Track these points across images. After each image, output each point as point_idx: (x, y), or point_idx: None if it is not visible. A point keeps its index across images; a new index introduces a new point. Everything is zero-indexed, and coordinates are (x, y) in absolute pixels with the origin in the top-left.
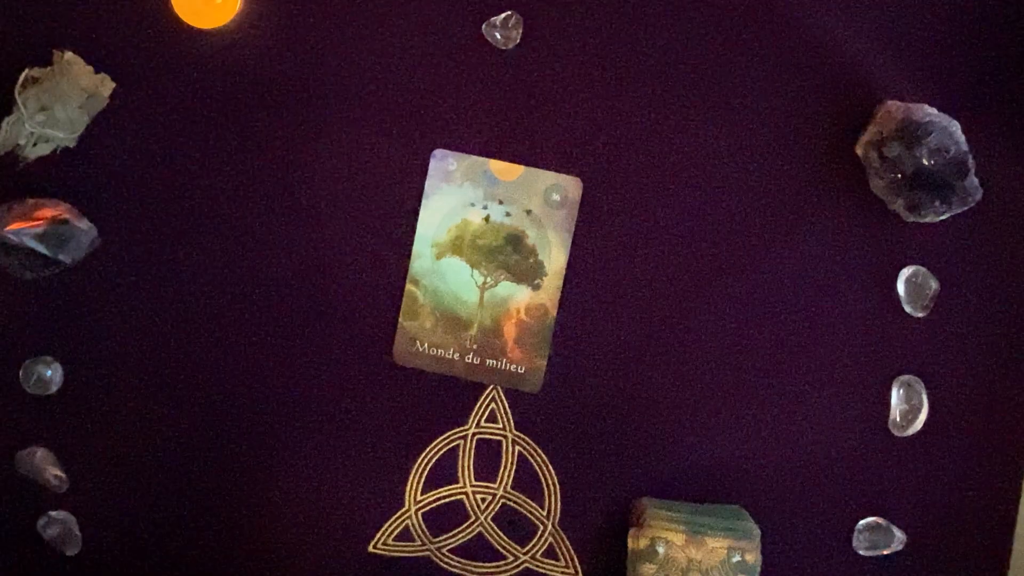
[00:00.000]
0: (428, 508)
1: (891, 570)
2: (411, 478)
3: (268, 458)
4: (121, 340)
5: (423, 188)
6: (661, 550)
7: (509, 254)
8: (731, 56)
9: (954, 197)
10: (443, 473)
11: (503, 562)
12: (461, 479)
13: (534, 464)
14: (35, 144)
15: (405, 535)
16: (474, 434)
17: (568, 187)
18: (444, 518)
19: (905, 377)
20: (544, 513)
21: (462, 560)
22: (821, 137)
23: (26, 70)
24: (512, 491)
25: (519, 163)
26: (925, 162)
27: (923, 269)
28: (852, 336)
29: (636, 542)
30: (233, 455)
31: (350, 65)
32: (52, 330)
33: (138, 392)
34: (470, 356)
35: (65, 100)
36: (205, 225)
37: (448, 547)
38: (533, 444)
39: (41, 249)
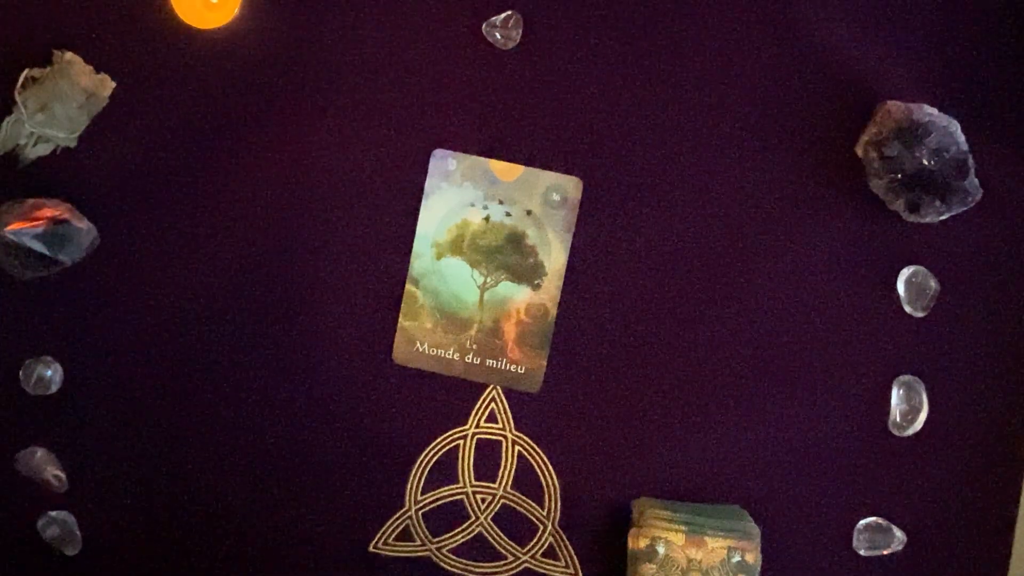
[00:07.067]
0: (428, 508)
1: (891, 570)
2: (411, 478)
3: (268, 457)
4: (121, 340)
5: (423, 188)
6: (661, 550)
7: (509, 254)
8: (731, 56)
9: (954, 197)
10: (443, 473)
11: (503, 562)
12: (461, 479)
13: (534, 464)
14: (35, 144)
15: (405, 535)
16: (474, 434)
17: (568, 187)
18: (444, 518)
19: (905, 377)
20: (544, 513)
21: (462, 560)
22: (821, 137)
23: (26, 70)
24: (512, 491)
25: (519, 163)
26: (925, 162)
27: (923, 269)
28: (852, 336)
29: (636, 542)
30: (233, 455)
31: (350, 65)
32: (52, 330)
33: (138, 392)
34: (470, 356)
35: (65, 100)
36: (205, 225)
37: (448, 547)
38: (533, 444)
39: (41, 249)
